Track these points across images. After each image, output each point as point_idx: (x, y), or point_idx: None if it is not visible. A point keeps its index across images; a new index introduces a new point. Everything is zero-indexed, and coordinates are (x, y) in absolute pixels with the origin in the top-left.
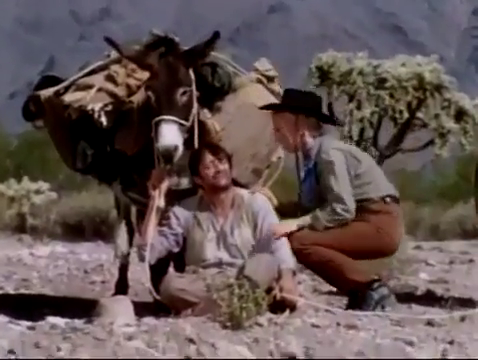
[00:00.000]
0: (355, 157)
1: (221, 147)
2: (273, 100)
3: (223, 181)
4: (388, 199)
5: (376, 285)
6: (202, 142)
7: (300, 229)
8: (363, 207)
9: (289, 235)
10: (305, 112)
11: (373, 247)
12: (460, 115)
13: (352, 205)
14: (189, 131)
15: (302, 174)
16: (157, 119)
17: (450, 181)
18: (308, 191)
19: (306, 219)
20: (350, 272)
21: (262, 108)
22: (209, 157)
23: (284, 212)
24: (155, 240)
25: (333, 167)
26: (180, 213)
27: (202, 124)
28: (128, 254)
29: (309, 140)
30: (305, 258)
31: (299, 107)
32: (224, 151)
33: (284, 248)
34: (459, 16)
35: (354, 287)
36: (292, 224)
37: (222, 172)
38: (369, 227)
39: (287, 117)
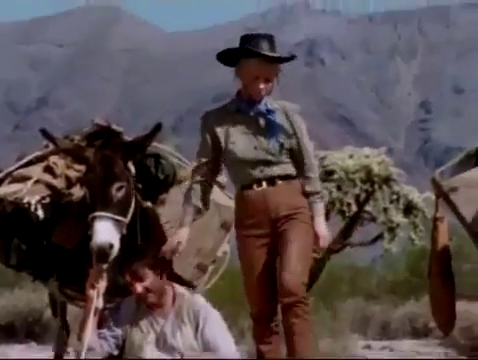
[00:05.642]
0: None
1: (142, 261)
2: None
3: (149, 300)
4: None
5: None
6: (147, 235)
7: None
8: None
9: None
10: (286, 61)
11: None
12: (409, 209)
13: None
14: (131, 226)
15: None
16: (91, 215)
17: (400, 277)
18: (273, 142)
19: (320, 206)
20: None
21: (274, 59)
22: (127, 278)
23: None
24: (94, 343)
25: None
26: (119, 313)
27: (147, 214)
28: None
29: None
30: None
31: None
32: (146, 263)
33: (225, 345)
34: (407, 108)
35: None
36: (323, 223)
37: (144, 294)
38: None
39: (277, 68)
